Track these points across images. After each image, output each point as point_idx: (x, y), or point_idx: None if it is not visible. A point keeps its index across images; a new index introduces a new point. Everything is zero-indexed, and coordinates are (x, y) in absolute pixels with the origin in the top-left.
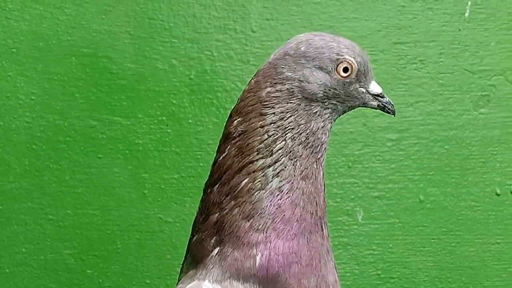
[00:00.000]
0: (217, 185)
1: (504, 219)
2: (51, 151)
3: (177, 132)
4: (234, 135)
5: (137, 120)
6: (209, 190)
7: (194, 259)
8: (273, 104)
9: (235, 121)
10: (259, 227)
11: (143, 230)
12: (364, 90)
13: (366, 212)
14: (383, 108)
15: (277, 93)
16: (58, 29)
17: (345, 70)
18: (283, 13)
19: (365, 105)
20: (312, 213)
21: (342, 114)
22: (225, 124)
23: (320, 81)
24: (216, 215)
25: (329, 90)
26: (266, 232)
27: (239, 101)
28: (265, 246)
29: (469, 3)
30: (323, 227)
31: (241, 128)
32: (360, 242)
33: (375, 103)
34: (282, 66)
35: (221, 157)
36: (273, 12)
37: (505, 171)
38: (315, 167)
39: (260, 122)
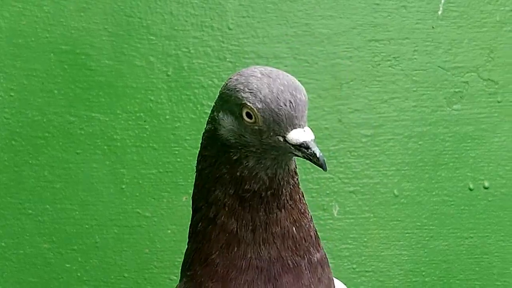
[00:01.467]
0: (191, 218)
1: (477, 214)
2: (30, 147)
3: (155, 128)
4: (195, 171)
5: (115, 116)
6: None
7: (181, 273)
8: (207, 146)
9: (197, 157)
10: (214, 278)
11: (121, 225)
12: (282, 139)
13: (341, 207)
14: (309, 159)
15: (207, 134)
16: (36, 26)
17: (248, 115)
18: (259, 11)
19: (292, 154)
20: (275, 258)
21: (280, 161)
22: None
23: (229, 126)
24: (188, 247)
25: (240, 136)
26: (224, 284)
27: None
28: None
29: (442, 1)
30: (300, 262)
31: (196, 167)
32: (335, 237)
33: (299, 153)
34: (214, 104)
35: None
36: (249, 9)
37: (478, 167)
38: (263, 215)
39: (201, 165)
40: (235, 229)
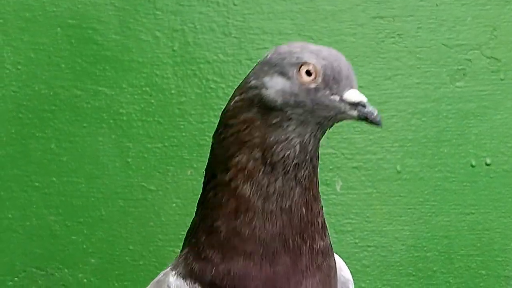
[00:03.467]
0: (202, 190)
1: (479, 190)
2: (36, 120)
3: (160, 102)
4: (211, 144)
5: (121, 90)
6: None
7: (183, 246)
8: (236, 114)
9: (215, 130)
10: (215, 246)
11: (127, 198)
12: (338, 98)
13: (344, 182)
14: (365, 119)
15: (240, 103)
16: (44, 0)
17: (308, 73)
18: None
19: (343, 115)
20: (278, 234)
21: (321, 127)
22: None
23: (279, 87)
24: (194, 218)
25: (290, 96)
26: (223, 252)
27: None
28: (221, 265)
29: None
30: (301, 245)
31: (214, 137)
32: (338, 212)
33: (354, 112)
34: (251, 75)
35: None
36: None
37: (480, 144)
38: (280, 184)
39: (223, 134)
40: (248, 194)
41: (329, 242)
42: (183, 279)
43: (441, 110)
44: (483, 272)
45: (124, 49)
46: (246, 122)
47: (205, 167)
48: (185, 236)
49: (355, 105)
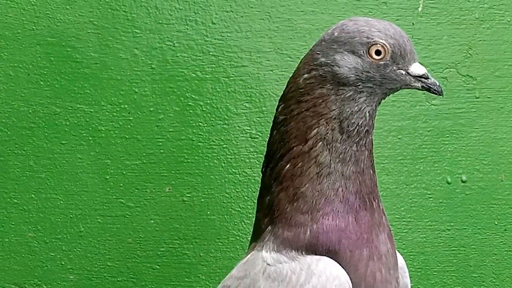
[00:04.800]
0: (268, 168)
1: (454, 207)
2: (15, 137)
3: (139, 119)
4: (278, 121)
5: (100, 108)
6: (264, 172)
7: (254, 234)
8: (308, 91)
9: (280, 107)
10: (304, 210)
11: (105, 215)
12: (404, 72)
13: None
14: (428, 89)
15: (311, 80)
16: (23, 18)
17: (377, 52)
18: (242, 6)
19: (407, 86)
20: (356, 192)
21: (384, 97)
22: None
23: (351, 65)
24: (268, 197)
25: (362, 73)
26: (312, 214)
27: (285, 86)
28: (312, 225)
29: None
30: (373, 201)
31: (283, 114)
32: None
33: (418, 84)
34: (318, 52)
35: (269, 141)
36: (233, 4)
37: (455, 161)
38: (355, 149)
39: (297, 109)
40: (328, 160)
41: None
42: (277, 252)
43: (417, 127)
44: None
45: (103, 67)
46: (322, 97)
47: (266, 146)
48: (254, 224)
49: (419, 77)
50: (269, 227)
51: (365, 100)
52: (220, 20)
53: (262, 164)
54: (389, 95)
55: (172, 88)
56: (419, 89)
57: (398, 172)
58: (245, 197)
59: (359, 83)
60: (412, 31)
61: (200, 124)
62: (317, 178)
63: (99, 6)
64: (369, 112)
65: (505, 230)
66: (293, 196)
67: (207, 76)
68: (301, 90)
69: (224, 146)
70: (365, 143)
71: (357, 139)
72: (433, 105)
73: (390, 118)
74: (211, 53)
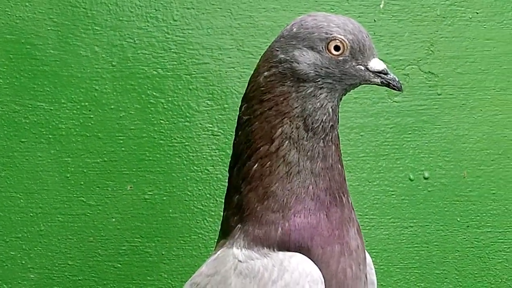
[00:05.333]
0: (235, 168)
1: (417, 203)
2: None
3: (100, 117)
4: (242, 121)
5: (60, 106)
6: (230, 172)
7: (224, 233)
8: (269, 89)
9: (243, 107)
10: (275, 208)
11: (66, 213)
12: (363, 68)
13: None
14: (387, 84)
15: (272, 77)
16: None
17: (336, 48)
18: (203, 3)
19: (367, 82)
20: (326, 189)
21: (345, 92)
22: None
23: (310, 61)
24: (236, 197)
25: (321, 69)
26: (283, 212)
27: (247, 85)
28: (284, 223)
29: None
30: (342, 196)
31: (247, 114)
32: None
33: (377, 80)
34: (277, 49)
35: (235, 142)
36: (194, 1)
37: (418, 157)
38: (322, 145)
39: (260, 109)
40: (297, 158)
41: None
42: (248, 248)
43: (379, 124)
44: (422, 285)
45: (63, 64)
46: (283, 94)
47: (232, 147)
48: (223, 222)
49: (378, 73)
50: (239, 225)
51: (326, 96)
52: (181, 17)
53: (228, 164)
54: (349, 90)
55: (133, 85)
56: (378, 85)
57: (360, 169)
58: (208, 195)
59: (319, 79)
60: (374, 28)
61: (162, 121)
62: (286, 177)
63: (59, 3)
64: (331, 107)
65: (468, 226)
66: (263, 195)
67: (169, 73)
68: (262, 89)
69: (186, 143)
70: (331, 138)
71: (323, 135)
72: (395, 102)
73: (352, 115)
74: (172, 50)
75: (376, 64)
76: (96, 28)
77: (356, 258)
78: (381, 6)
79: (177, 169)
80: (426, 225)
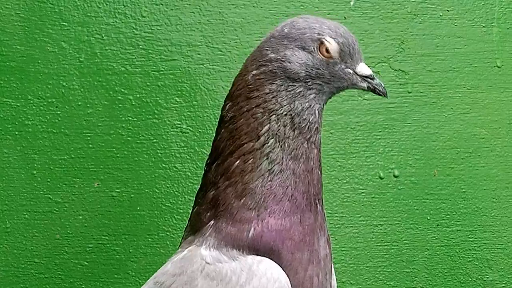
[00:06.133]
0: (214, 164)
1: (387, 202)
2: None
3: (67, 114)
4: (226, 119)
5: (27, 102)
6: (207, 168)
7: (192, 228)
8: (258, 87)
9: (227, 105)
10: (251, 206)
11: (32, 210)
12: (351, 71)
13: None
14: (373, 90)
15: (261, 75)
16: None
17: (327, 50)
18: None
19: (354, 86)
20: (304, 192)
21: (331, 95)
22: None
23: (301, 61)
24: (213, 192)
25: (311, 69)
26: (258, 211)
27: (231, 85)
28: (257, 223)
29: None
30: (317, 204)
31: (231, 112)
32: None
33: (364, 84)
34: (267, 48)
35: (217, 139)
36: None
37: (388, 155)
38: (306, 146)
39: (247, 106)
40: (281, 156)
41: None
42: (216, 249)
43: (349, 122)
44: (392, 283)
45: (30, 60)
46: (272, 92)
47: (211, 145)
48: (193, 218)
49: (365, 77)
50: (212, 221)
51: (315, 97)
52: (149, 13)
53: (206, 161)
54: (335, 93)
55: (101, 82)
56: (364, 90)
57: (330, 167)
58: (176, 193)
59: (309, 80)
60: (344, 25)
61: (130, 118)
62: (268, 175)
63: None
64: (318, 109)
65: (438, 225)
66: (242, 191)
67: (137, 70)
68: (250, 87)
69: (154, 140)
70: (314, 140)
71: (308, 136)
72: (365, 100)
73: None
74: (140, 46)
75: (363, 68)
76: (64, 23)
77: (324, 268)
78: (352, 3)
79: (145, 166)
80: (396, 224)
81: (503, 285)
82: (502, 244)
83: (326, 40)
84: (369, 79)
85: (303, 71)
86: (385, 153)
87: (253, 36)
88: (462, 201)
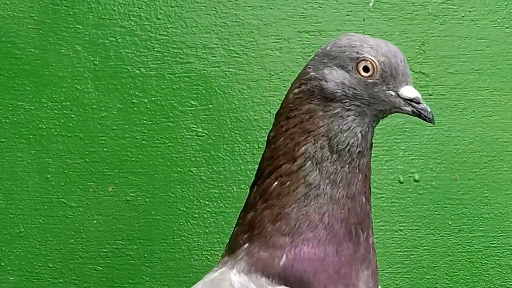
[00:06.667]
0: (256, 185)
1: (407, 207)
2: None
3: (81, 117)
4: (270, 139)
5: (41, 105)
6: (250, 189)
7: (230, 249)
8: (297, 106)
9: (273, 124)
10: (285, 232)
11: (46, 215)
12: (394, 93)
13: None
14: (418, 115)
15: (300, 94)
16: None
17: (365, 69)
18: (188, 1)
19: (398, 110)
20: (343, 220)
21: (376, 119)
22: None
23: (338, 80)
24: (251, 214)
25: (348, 89)
26: (292, 237)
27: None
28: (290, 250)
29: None
30: (360, 234)
31: (274, 131)
32: None
33: (408, 108)
34: (309, 67)
35: (261, 159)
36: None
37: (408, 159)
38: (347, 171)
39: (286, 126)
40: (318, 181)
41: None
42: (246, 275)
43: None
44: None
45: (44, 63)
46: (309, 112)
47: (258, 162)
48: (231, 238)
49: (410, 101)
50: (246, 245)
51: (355, 119)
52: (165, 16)
53: (252, 181)
54: (381, 117)
55: (115, 85)
56: (409, 114)
57: None
58: (191, 197)
59: (346, 100)
60: (363, 27)
61: (145, 121)
62: (304, 200)
63: (40, 1)
64: (361, 132)
65: (459, 230)
66: (277, 215)
67: (152, 72)
68: (290, 106)
69: (169, 144)
70: (358, 165)
71: (349, 160)
72: None
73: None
74: (155, 49)
75: (408, 91)
76: (78, 26)
77: None
78: (371, 4)
79: (160, 170)
80: (416, 229)
81: None
82: None
83: (364, 58)
84: (414, 103)
85: (339, 91)
86: (405, 157)
87: (269, 38)
88: (485, 206)
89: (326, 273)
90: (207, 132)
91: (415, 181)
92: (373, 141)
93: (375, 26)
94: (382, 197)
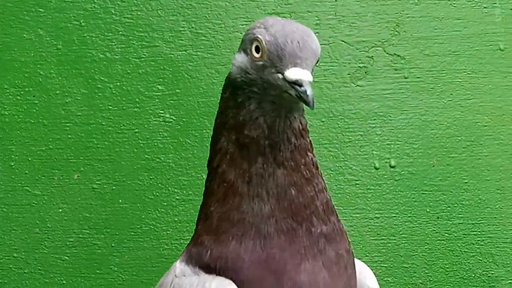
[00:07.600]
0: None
1: (383, 194)
2: None
3: (45, 103)
4: None
5: (3, 91)
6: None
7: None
8: (221, 96)
9: None
10: (209, 231)
11: (10, 203)
12: (281, 76)
13: None
14: (300, 98)
15: (225, 82)
16: None
17: (257, 49)
18: None
19: (287, 94)
20: (266, 217)
21: (278, 106)
22: None
23: (240, 64)
24: (200, 211)
25: (246, 74)
26: (216, 235)
27: None
28: (213, 248)
29: None
30: (296, 226)
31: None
32: None
33: (293, 92)
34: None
35: None
36: None
37: (383, 145)
38: (260, 167)
39: (216, 118)
40: (233, 179)
41: (337, 227)
42: (185, 263)
43: (342, 110)
44: (389, 279)
45: (5, 48)
46: (225, 102)
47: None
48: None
49: (293, 83)
50: (192, 239)
51: (256, 108)
52: None
53: None
54: (286, 104)
55: (80, 69)
56: (296, 99)
57: (323, 157)
58: (159, 185)
59: (245, 86)
60: (335, 8)
61: (110, 107)
62: (223, 199)
63: None
64: (265, 122)
65: (438, 218)
66: (205, 215)
67: (117, 57)
68: (221, 95)
69: (136, 130)
70: (274, 159)
71: (258, 155)
72: (359, 86)
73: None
74: (120, 32)
75: (292, 73)
76: (40, 10)
77: None
78: None
79: (127, 157)
80: (393, 216)
81: (509, 281)
82: (507, 238)
83: (256, 38)
84: (296, 86)
85: (239, 76)
86: (381, 142)
87: (238, 20)
88: (464, 193)
89: (250, 270)
90: (174, 118)
91: (391, 167)
92: (346, 126)
93: (348, 7)
94: (357, 183)
